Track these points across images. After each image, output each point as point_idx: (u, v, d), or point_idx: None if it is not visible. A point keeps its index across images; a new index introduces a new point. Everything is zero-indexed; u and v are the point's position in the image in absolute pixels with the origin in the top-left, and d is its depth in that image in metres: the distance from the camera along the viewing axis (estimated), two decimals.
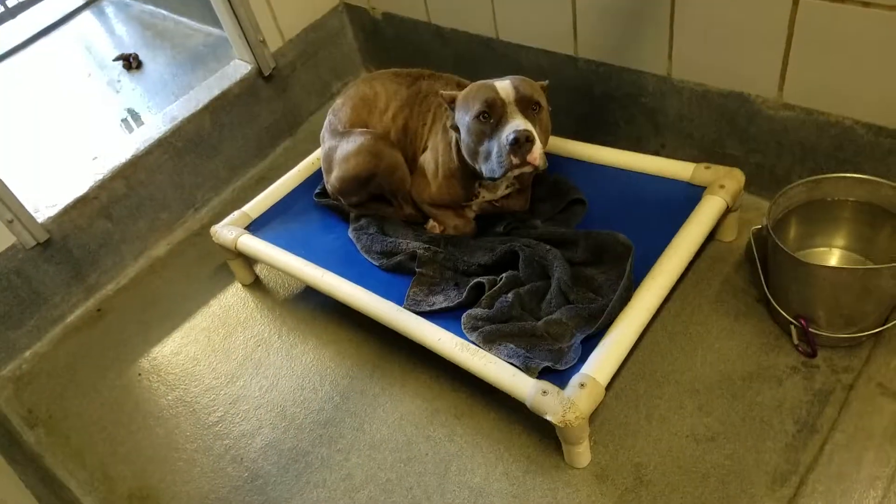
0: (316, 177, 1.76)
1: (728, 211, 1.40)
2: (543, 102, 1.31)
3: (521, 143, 1.22)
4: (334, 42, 2.19)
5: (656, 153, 1.66)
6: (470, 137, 1.32)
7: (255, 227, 1.70)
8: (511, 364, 1.21)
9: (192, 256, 1.94)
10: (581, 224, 1.46)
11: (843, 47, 1.20)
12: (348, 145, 1.54)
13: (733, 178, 1.39)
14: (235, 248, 1.66)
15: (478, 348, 1.26)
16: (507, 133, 1.23)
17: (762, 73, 1.35)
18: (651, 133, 1.65)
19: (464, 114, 1.32)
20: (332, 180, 1.60)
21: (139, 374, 1.67)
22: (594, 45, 1.60)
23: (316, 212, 1.71)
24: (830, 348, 1.26)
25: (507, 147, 1.22)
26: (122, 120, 2.23)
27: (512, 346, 1.24)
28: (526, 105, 1.26)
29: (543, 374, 1.19)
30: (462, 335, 1.29)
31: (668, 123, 1.59)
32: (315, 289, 1.54)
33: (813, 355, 1.25)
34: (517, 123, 1.23)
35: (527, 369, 1.19)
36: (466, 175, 1.43)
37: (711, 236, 1.48)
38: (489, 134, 1.28)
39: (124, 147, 1.89)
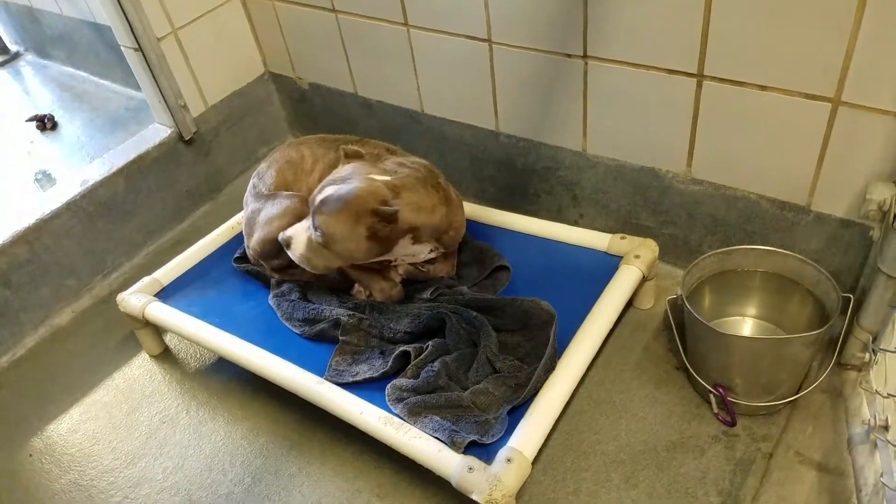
0: (236, 242, 1.71)
1: (644, 280, 1.44)
2: (328, 232, 1.27)
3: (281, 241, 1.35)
4: (260, 109, 2.18)
5: (575, 223, 1.71)
6: None
7: (165, 294, 1.61)
8: (437, 438, 1.17)
9: (98, 325, 1.81)
10: (505, 291, 1.47)
11: (744, 126, 1.29)
12: (273, 208, 1.51)
13: (648, 249, 1.44)
14: (143, 316, 1.56)
15: (402, 422, 1.21)
16: (288, 230, 1.38)
17: (671, 150, 1.42)
18: (570, 204, 1.70)
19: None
20: (253, 243, 1.55)
21: (30, 455, 1.51)
22: (514, 121, 1.66)
23: (234, 278, 1.64)
24: (749, 416, 1.28)
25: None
26: (36, 180, 2.11)
27: (438, 418, 1.20)
28: (314, 226, 1.31)
29: (470, 449, 1.15)
30: (386, 408, 1.24)
31: (586, 196, 1.65)
32: (229, 360, 1.45)
33: (732, 424, 1.27)
34: (294, 229, 1.36)
35: (452, 444, 1.14)
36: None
37: (630, 304, 1.52)
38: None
39: (29, 210, 1.77)
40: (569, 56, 1.44)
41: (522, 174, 1.74)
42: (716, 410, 1.29)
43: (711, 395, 1.29)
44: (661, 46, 1.30)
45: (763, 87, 1.22)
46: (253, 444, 1.45)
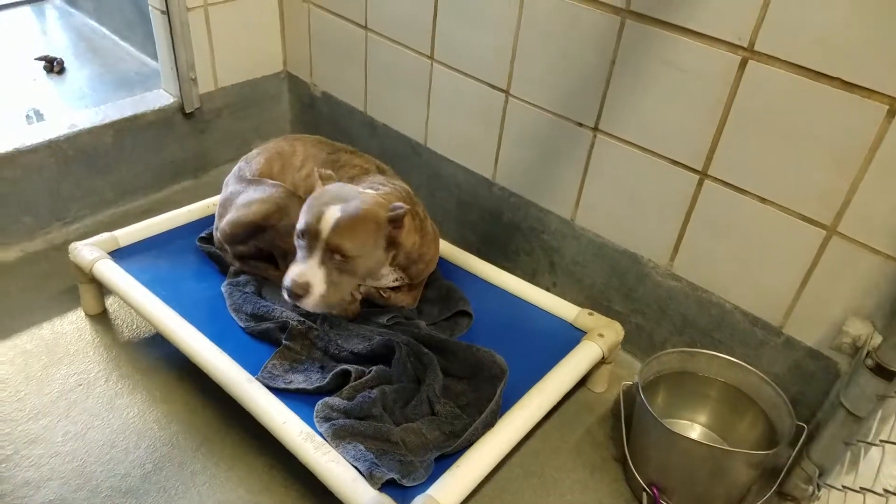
0: (206, 222, 1.65)
1: (602, 361, 1.41)
2: (356, 254, 1.20)
3: (291, 294, 1.17)
4: (268, 104, 2.17)
5: (547, 289, 1.68)
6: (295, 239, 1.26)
7: (120, 255, 1.54)
8: (355, 468, 1.10)
9: (43, 270, 1.73)
10: (462, 337, 1.42)
11: (734, 234, 1.29)
12: (255, 192, 1.47)
13: (613, 330, 1.42)
14: (90, 271, 1.48)
15: (324, 442, 1.14)
16: (289, 275, 1.18)
17: (658, 240, 1.42)
18: (546, 269, 1.68)
19: (303, 211, 1.24)
20: (223, 223, 1.50)
21: None
22: (511, 175, 1.66)
23: (194, 256, 1.58)
24: None
25: (286, 289, 1.18)
26: (26, 116, 2.05)
27: (362, 447, 1.13)
28: (332, 252, 1.19)
29: (387, 487, 1.08)
30: (312, 424, 1.18)
31: (563, 265, 1.64)
32: (163, 336, 1.38)
33: None
34: (301, 271, 1.18)
35: (370, 477, 1.08)
36: None
37: (582, 383, 1.48)
38: (299, 253, 1.22)
39: (8, 138, 1.71)
40: (580, 125, 1.45)
41: (507, 229, 1.72)
42: None
43: (644, 494, 1.24)
44: (672, 137, 1.32)
45: (763, 200, 1.23)
46: (164, 431, 1.36)
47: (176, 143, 1.98)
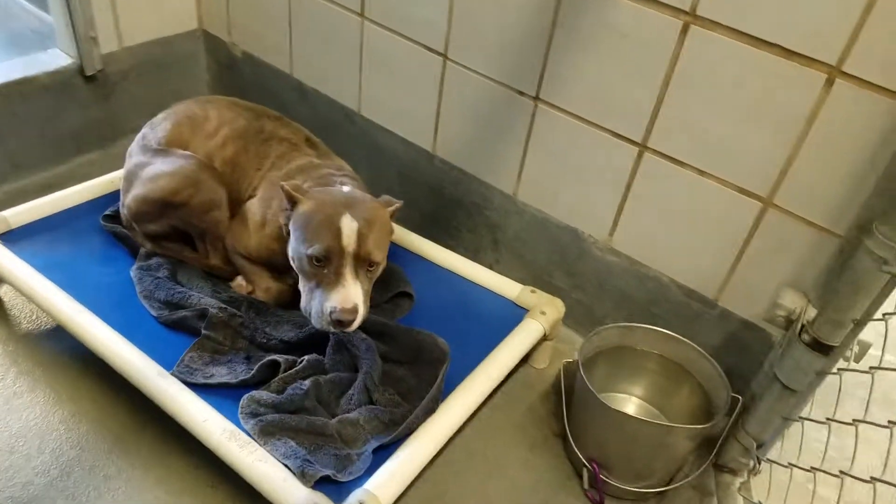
0: (111, 199, 1.50)
1: (544, 338, 1.38)
2: (382, 258, 1.17)
3: (342, 324, 1.10)
4: (183, 65, 1.99)
5: (490, 267, 1.63)
6: (299, 265, 1.16)
7: (11, 237, 1.38)
8: (285, 465, 1.02)
9: None
10: (403, 319, 1.36)
11: (672, 207, 1.27)
12: (163, 165, 1.33)
13: (554, 307, 1.39)
14: None
15: (251, 440, 1.06)
16: (332, 305, 1.09)
17: (597, 215, 1.39)
18: (489, 246, 1.63)
19: (300, 238, 1.15)
20: (129, 200, 1.36)
21: None
22: (452, 148, 1.58)
23: (98, 237, 1.43)
24: (617, 499, 1.23)
25: (328, 318, 1.10)
26: None
27: (293, 443, 1.05)
28: (363, 263, 1.13)
29: (321, 484, 1.01)
30: (237, 421, 1.09)
31: (506, 241, 1.59)
32: (62, 326, 1.24)
33: (600, 503, 1.21)
34: (345, 297, 1.09)
35: (302, 475, 1.00)
36: None
37: (524, 360, 1.45)
38: (318, 279, 1.13)
39: None
40: (520, 93, 1.39)
41: (449, 205, 1.65)
42: (586, 486, 1.23)
43: (585, 469, 1.22)
44: (613, 107, 1.27)
45: (702, 173, 1.21)
46: (71, 432, 1.23)
47: (77, 111, 1.79)
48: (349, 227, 1.11)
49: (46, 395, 1.29)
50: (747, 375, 1.27)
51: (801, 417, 1.06)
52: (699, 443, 1.19)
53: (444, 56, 1.47)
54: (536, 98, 1.37)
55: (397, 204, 1.24)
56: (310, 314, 1.14)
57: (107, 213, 1.47)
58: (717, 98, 1.14)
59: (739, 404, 1.16)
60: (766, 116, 1.10)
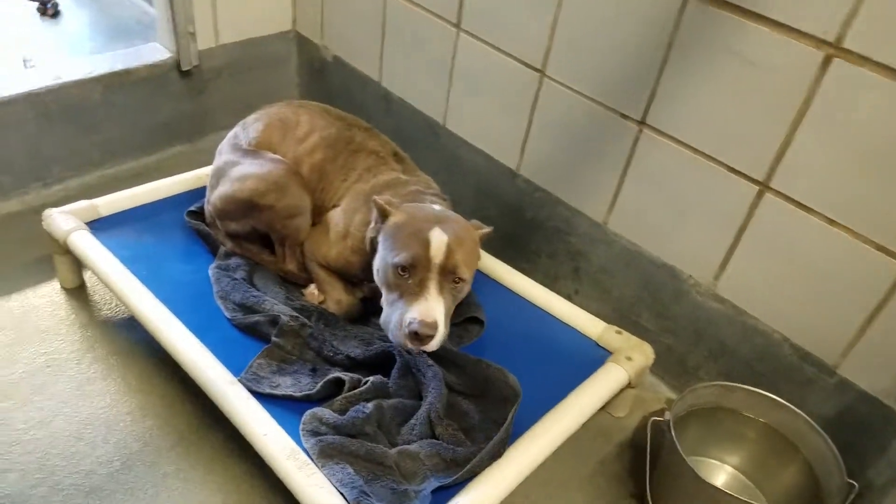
0: (198, 194, 1.50)
1: (628, 386, 1.26)
2: (469, 275, 1.13)
3: (420, 338, 1.05)
4: (275, 66, 1.99)
5: (569, 297, 1.53)
6: (384, 275, 1.13)
7: (100, 225, 1.39)
8: (341, 494, 0.96)
9: (18, 235, 1.58)
10: (471, 346, 1.27)
11: (793, 257, 1.13)
12: (252, 166, 1.31)
13: (643, 354, 1.27)
14: (65, 242, 1.34)
15: (309, 461, 1.00)
16: (412, 316, 1.05)
17: (702, 256, 1.26)
18: (569, 275, 1.52)
19: (388, 247, 1.12)
20: (215, 197, 1.35)
21: None
22: (538, 168, 1.49)
23: (181, 233, 1.43)
24: None
25: (406, 331, 1.05)
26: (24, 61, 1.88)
27: (350, 470, 0.99)
28: (449, 276, 1.09)
29: None
30: (297, 437, 1.04)
31: (590, 271, 1.48)
32: (139, 322, 1.24)
33: None
34: (426, 309, 1.06)
35: None
36: (370, 260, 1.22)
37: (601, 407, 1.33)
38: (401, 291, 1.09)
39: None
40: (624, 117, 1.28)
41: (529, 227, 1.56)
42: None
43: None
44: (731, 140, 1.15)
45: (832, 222, 1.07)
46: (137, 424, 1.23)
47: (170, 104, 1.82)
48: (439, 238, 1.08)
49: (118, 384, 1.29)
50: (864, 458, 1.11)
51: None
52: None
53: (542, 72, 1.39)
54: (642, 122, 1.26)
55: (487, 229, 1.21)
56: (388, 327, 1.10)
57: (191, 209, 1.47)
58: (859, 142, 1.00)
59: (854, 492, 1.01)
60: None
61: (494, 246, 1.66)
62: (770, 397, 1.13)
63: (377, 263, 1.16)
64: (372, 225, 1.20)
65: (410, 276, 1.08)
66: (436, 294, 1.07)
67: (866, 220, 1.03)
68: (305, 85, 2.06)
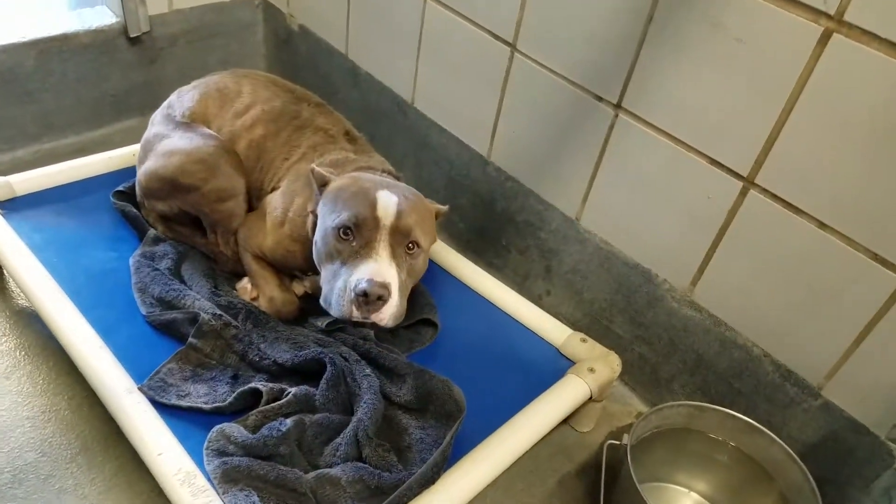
0: (130, 173, 1.36)
1: (590, 401, 1.13)
2: (425, 243, 1.00)
3: (370, 300, 0.91)
4: (237, 35, 1.84)
5: (539, 298, 1.40)
6: (322, 245, 1.00)
7: (15, 206, 1.26)
8: None
9: None
10: (421, 353, 1.14)
11: (779, 264, 0.99)
12: (181, 140, 1.18)
13: (608, 366, 1.13)
14: None
15: (207, 487, 0.87)
16: (359, 277, 0.92)
17: (678, 258, 1.12)
18: (541, 275, 1.39)
19: (328, 212, 1.00)
20: (140, 174, 1.23)
21: None
22: (510, 155, 1.35)
23: (107, 216, 1.30)
24: None
25: (352, 294, 0.92)
26: None
27: (256, 498, 0.86)
28: (402, 239, 0.96)
29: None
30: (199, 458, 0.91)
31: (561, 272, 1.34)
32: (41, 318, 1.11)
33: None
34: (376, 269, 0.93)
35: None
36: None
37: (563, 420, 1.20)
38: (344, 257, 0.96)
39: None
40: (599, 99, 1.14)
41: (499, 220, 1.42)
42: None
43: None
44: (714, 128, 1.00)
45: (823, 226, 0.93)
46: (37, 431, 1.10)
47: (118, 74, 1.67)
48: (387, 198, 0.96)
49: (21, 383, 1.16)
50: (845, 491, 0.98)
51: None
52: None
53: (513, 47, 1.24)
54: (618, 106, 1.12)
55: (444, 209, 1.08)
56: (330, 304, 0.96)
57: (119, 188, 1.33)
58: (859, 134, 0.86)
59: None
60: None
61: (464, 239, 1.52)
62: (745, 420, 1.00)
63: (317, 236, 1.03)
64: (312, 199, 1.06)
65: (355, 238, 0.95)
66: (387, 256, 0.94)
67: (862, 226, 0.89)
68: (272, 56, 1.91)
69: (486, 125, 1.36)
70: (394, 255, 0.96)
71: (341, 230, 0.96)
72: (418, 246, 0.99)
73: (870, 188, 0.87)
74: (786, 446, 0.96)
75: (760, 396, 1.08)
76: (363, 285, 0.91)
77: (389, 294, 0.93)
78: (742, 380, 1.10)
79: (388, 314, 0.95)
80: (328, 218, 0.99)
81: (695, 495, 1.09)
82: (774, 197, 0.97)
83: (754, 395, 1.09)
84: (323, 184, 1.03)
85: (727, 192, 1.02)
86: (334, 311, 0.97)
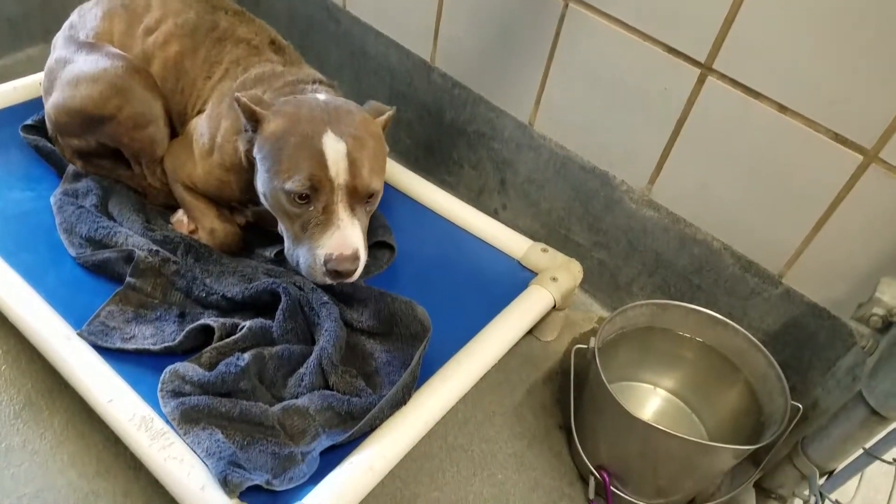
0: (38, 105, 1.23)
1: (554, 309, 1.12)
2: (380, 185, 0.95)
3: (342, 275, 0.92)
4: None
5: (495, 212, 1.36)
6: (274, 202, 0.94)
7: None
8: (206, 466, 0.80)
9: None
10: (379, 277, 1.10)
11: (738, 154, 0.97)
12: (86, 64, 1.05)
13: (569, 273, 1.11)
14: None
15: (166, 429, 0.83)
16: (328, 252, 0.91)
17: (635, 157, 1.09)
18: (496, 188, 1.34)
19: (271, 168, 0.91)
20: (48, 108, 1.10)
21: None
22: (455, 58, 1.27)
23: (18, 152, 1.18)
24: None
25: (323, 269, 0.91)
26: None
27: (220, 435, 0.82)
28: (360, 197, 0.92)
29: (250, 494, 0.78)
30: (153, 401, 0.85)
31: (517, 183, 1.30)
32: None
33: None
34: (341, 240, 0.90)
35: (225, 482, 0.77)
36: (250, 178, 1.00)
37: (527, 331, 1.19)
38: (304, 221, 0.91)
39: None
40: None
41: (449, 132, 1.36)
42: (591, 497, 1.00)
43: (592, 477, 0.99)
44: (670, 16, 0.95)
45: (783, 109, 0.90)
46: None
47: None
48: (335, 149, 0.88)
49: None
50: (809, 377, 1.00)
51: None
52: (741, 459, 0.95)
53: None
54: None
55: (389, 111, 0.99)
56: (297, 264, 0.94)
57: (28, 122, 1.20)
58: (819, 7, 0.82)
59: (798, 415, 0.90)
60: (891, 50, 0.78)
61: (413, 155, 1.46)
62: (708, 314, 1.00)
63: (260, 186, 0.95)
64: (242, 133, 0.97)
65: (312, 203, 0.90)
66: (348, 219, 0.91)
67: (822, 106, 0.87)
68: None
69: (427, 26, 1.26)
70: (354, 213, 0.92)
71: (295, 196, 0.89)
72: (376, 193, 0.95)
73: (828, 65, 0.84)
74: (750, 335, 0.97)
75: (721, 290, 1.08)
76: (333, 265, 0.90)
77: (359, 261, 0.92)
78: (702, 275, 1.10)
79: (358, 273, 0.94)
80: (274, 177, 0.91)
81: (662, 392, 1.11)
82: (733, 82, 0.93)
83: (714, 289, 1.09)
84: (252, 117, 0.92)
85: (684, 81, 0.97)
86: (305, 275, 0.96)
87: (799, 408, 0.91)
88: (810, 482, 0.84)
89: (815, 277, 0.97)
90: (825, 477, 0.85)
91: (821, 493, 0.82)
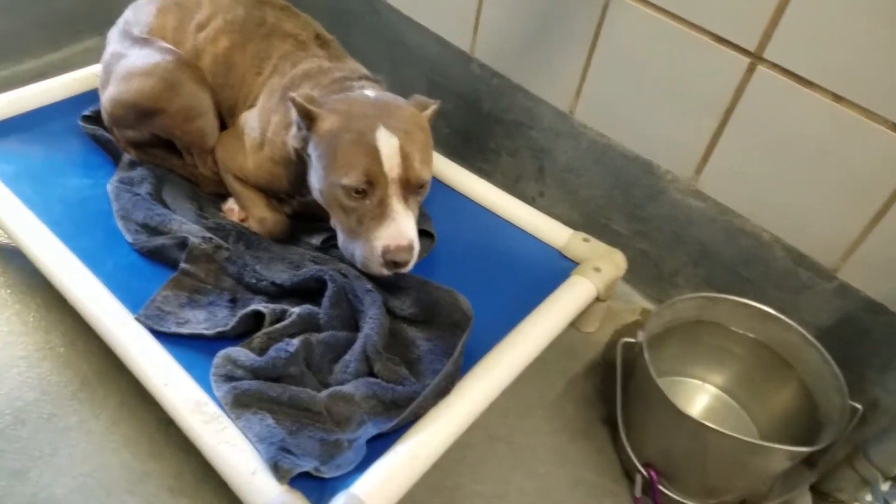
0: (95, 96, 1.27)
1: (597, 300, 1.11)
2: (430, 175, 0.97)
3: (399, 265, 0.94)
4: None
5: (532, 201, 1.36)
6: (330, 198, 0.96)
7: None
8: (258, 452, 0.82)
9: None
10: (420, 265, 1.10)
11: (789, 143, 0.95)
12: (139, 59, 1.09)
13: (613, 264, 1.10)
14: None
15: (219, 412, 0.85)
16: (385, 244, 0.93)
17: (681, 147, 1.08)
18: (533, 176, 1.34)
19: (328, 165, 0.93)
20: (104, 100, 1.15)
21: None
22: (494, 49, 1.27)
23: (77, 142, 1.22)
24: None
25: (381, 260, 0.94)
26: None
27: (271, 420, 0.84)
28: (412, 188, 0.93)
29: (299, 480, 0.80)
30: (207, 385, 0.88)
31: (555, 171, 1.29)
32: (22, 252, 1.05)
33: None
34: (397, 232, 0.92)
35: (275, 468, 0.79)
36: (300, 172, 1.02)
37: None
38: (359, 214, 0.94)
39: None
40: None
41: (487, 121, 1.36)
42: (638, 494, 0.99)
43: (638, 475, 0.98)
44: (718, 4, 0.93)
45: (838, 98, 0.88)
46: (32, 369, 1.07)
47: None
48: (388, 144, 0.90)
49: (11, 322, 1.12)
50: (866, 375, 0.98)
51: None
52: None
53: None
54: None
55: (433, 105, 1.01)
56: (353, 256, 0.96)
57: (86, 113, 1.24)
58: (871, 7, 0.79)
59: (857, 416, 0.87)
60: None
61: (450, 144, 1.46)
62: (759, 308, 0.99)
63: (315, 183, 0.98)
64: (294, 132, 0.99)
65: (368, 197, 0.92)
66: (403, 210, 0.93)
67: (880, 95, 0.84)
68: None
69: (467, 17, 1.26)
70: (407, 205, 0.94)
71: (352, 191, 0.92)
72: (427, 183, 0.96)
73: (886, 54, 0.81)
74: (803, 331, 0.94)
75: (770, 283, 1.06)
76: (391, 256, 0.92)
77: (414, 251, 0.94)
78: (751, 268, 1.08)
79: (413, 263, 0.96)
80: (331, 173, 0.93)
81: (712, 388, 1.09)
82: (784, 71, 0.91)
83: (764, 282, 1.07)
84: (307, 116, 0.94)
85: (733, 70, 0.96)
86: (361, 268, 0.98)
87: (858, 408, 0.88)
88: (873, 488, 0.82)
89: (871, 272, 0.94)
90: (889, 482, 0.83)
91: (885, 501, 0.80)
